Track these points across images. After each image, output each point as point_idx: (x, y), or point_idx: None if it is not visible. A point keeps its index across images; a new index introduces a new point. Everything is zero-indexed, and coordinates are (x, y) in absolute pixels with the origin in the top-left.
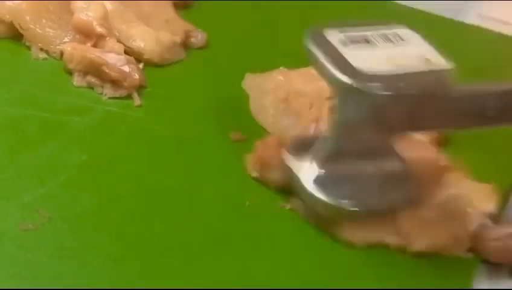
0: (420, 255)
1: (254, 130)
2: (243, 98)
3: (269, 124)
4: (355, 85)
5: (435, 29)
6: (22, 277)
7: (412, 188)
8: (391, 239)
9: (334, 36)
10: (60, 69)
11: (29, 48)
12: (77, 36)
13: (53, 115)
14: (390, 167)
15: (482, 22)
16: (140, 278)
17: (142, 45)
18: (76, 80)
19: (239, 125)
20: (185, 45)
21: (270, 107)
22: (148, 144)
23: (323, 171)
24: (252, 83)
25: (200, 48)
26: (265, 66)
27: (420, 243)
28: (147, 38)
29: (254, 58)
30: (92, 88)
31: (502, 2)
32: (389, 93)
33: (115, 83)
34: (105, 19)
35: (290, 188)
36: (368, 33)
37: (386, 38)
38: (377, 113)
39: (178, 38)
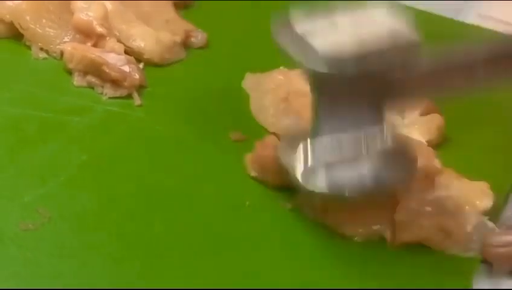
0: (411, 249)
1: (254, 130)
2: (243, 98)
3: (269, 123)
4: (323, 71)
5: (435, 29)
6: (22, 276)
7: (405, 167)
8: (386, 232)
9: (300, 24)
10: (60, 69)
11: (29, 47)
12: (77, 36)
13: (53, 115)
14: (382, 146)
15: (482, 21)
16: (140, 278)
17: (142, 45)
18: (77, 80)
19: (239, 125)
20: (185, 44)
21: (270, 107)
22: (148, 143)
23: (315, 160)
24: (252, 82)
25: (200, 48)
26: (265, 65)
27: (408, 233)
28: (147, 38)
29: (254, 58)
30: (92, 88)
31: (502, 2)
32: (356, 73)
33: (115, 82)
34: (105, 18)
35: (289, 187)
36: (335, 18)
37: (353, 20)
38: (352, 92)
39: (178, 38)
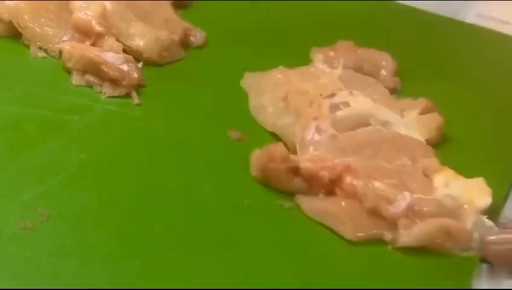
0: (410, 249)
1: (254, 129)
2: (242, 97)
3: (269, 122)
4: None
5: (435, 29)
6: (21, 276)
7: None
8: (387, 235)
9: None
10: (59, 68)
11: (28, 46)
12: (76, 35)
13: (52, 114)
14: None
15: (481, 21)
16: (140, 278)
17: (141, 44)
18: (75, 79)
19: (238, 124)
20: (184, 43)
21: (269, 105)
22: (147, 142)
23: None
24: (251, 81)
25: (199, 47)
26: (264, 65)
27: (410, 236)
28: (146, 37)
29: (253, 57)
30: (91, 87)
31: (501, 2)
32: None
33: (114, 81)
34: (104, 17)
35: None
36: None
37: None
38: None
39: (177, 37)
